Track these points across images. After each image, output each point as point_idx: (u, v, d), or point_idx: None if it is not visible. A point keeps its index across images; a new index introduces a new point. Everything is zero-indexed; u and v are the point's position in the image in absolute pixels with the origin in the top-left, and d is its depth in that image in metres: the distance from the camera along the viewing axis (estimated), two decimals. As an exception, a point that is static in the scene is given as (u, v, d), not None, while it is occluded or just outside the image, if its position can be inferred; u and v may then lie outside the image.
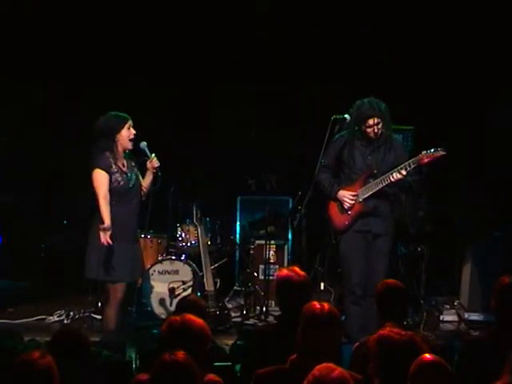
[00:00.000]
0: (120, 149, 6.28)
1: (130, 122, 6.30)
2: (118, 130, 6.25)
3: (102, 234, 6.04)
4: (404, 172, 6.51)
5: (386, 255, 6.74)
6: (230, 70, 8.98)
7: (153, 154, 6.40)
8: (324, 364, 3.46)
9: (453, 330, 7.79)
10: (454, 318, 8.04)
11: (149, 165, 6.44)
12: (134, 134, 6.30)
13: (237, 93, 8.94)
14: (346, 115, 6.67)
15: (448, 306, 8.20)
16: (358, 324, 6.63)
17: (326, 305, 4.02)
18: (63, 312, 7.85)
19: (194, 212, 7.78)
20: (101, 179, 6.17)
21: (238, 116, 8.91)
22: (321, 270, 8.11)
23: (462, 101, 8.82)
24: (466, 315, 7.94)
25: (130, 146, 6.33)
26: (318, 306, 4.00)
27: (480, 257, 7.97)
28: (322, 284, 8.15)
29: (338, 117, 6.72)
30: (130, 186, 6.30)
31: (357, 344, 4.51)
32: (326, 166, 6.78)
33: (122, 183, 6.24)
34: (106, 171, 6.18)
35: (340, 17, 8.86)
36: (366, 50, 8.84)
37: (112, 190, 6.21)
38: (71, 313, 7.83)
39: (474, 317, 7.90)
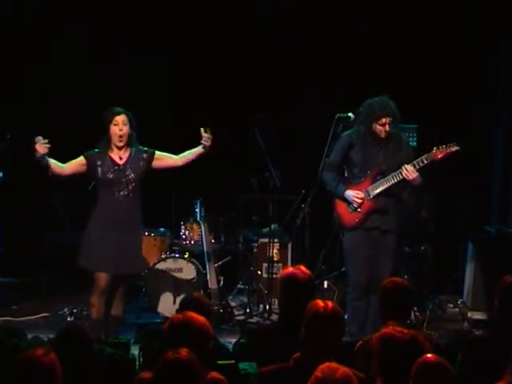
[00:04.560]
0: (111, 142, 6.43)
1: (116, 118, 6.38)
2: (108, 125, 6.40)
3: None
4: (417, 167, 6.51)
5: (393, 253, 6.74)
6: (230, 69, 8.97)
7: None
8: (326, 364, 3.45)
9: (456, 329, 7.78)
10: (458, 316, 8.04)
11: None
12: (120, 130, 6.38)
13: (237, 91, 8.94)
14: (350, 113, 6.65)
15: (451, 305, 8.21)
16: (359, 322, 6.63)
17: (329, 303, 4.02)
18: (66, 309, 7.86)
19: (198, 210, 7.78)
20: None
21: (240, 114, 8.89)
22: (324, 268, 8.13)
23: (466, 99, 8.82)
24: (470, 314, 7.93)
25: (117, 142, 6.42)
26: (321, 304, 4.00)
27: (483, 256, 7.97)
28: (326, 282, 8.17)
29: (341, 115, 6.71)
30: (118, 178, 6.36)
31: (360, 342, 4.51)
32: (331, 164, 6.76)
33: (107, 175, 6.35)
34: (85, 157, 6.40)
35: (341, 13, 8.85)
36: (369, 48, 8.82)
37: (98, 181, 6.42)
38: (74, 310, 7.83)
39: (478, 316, 7.90)
